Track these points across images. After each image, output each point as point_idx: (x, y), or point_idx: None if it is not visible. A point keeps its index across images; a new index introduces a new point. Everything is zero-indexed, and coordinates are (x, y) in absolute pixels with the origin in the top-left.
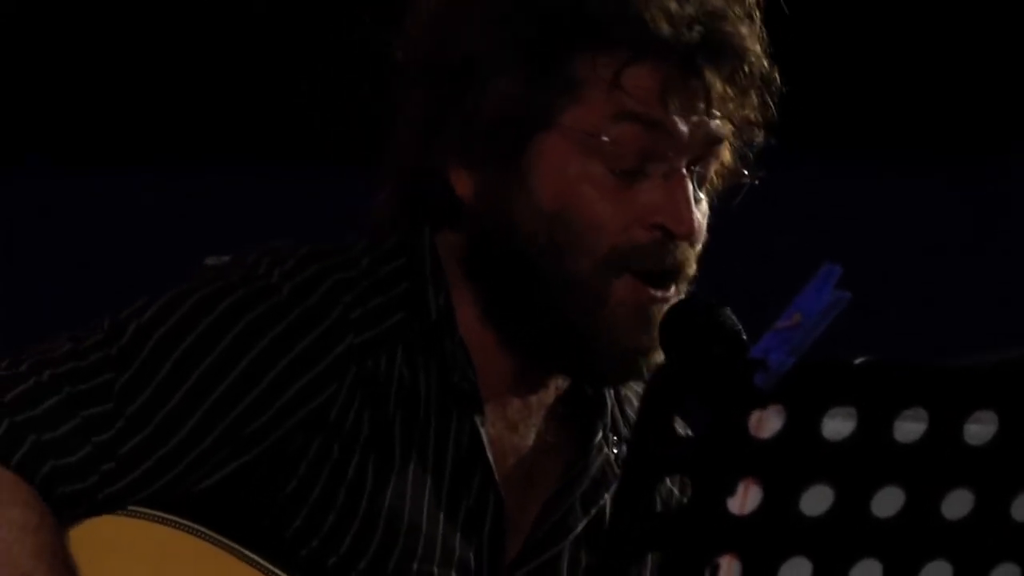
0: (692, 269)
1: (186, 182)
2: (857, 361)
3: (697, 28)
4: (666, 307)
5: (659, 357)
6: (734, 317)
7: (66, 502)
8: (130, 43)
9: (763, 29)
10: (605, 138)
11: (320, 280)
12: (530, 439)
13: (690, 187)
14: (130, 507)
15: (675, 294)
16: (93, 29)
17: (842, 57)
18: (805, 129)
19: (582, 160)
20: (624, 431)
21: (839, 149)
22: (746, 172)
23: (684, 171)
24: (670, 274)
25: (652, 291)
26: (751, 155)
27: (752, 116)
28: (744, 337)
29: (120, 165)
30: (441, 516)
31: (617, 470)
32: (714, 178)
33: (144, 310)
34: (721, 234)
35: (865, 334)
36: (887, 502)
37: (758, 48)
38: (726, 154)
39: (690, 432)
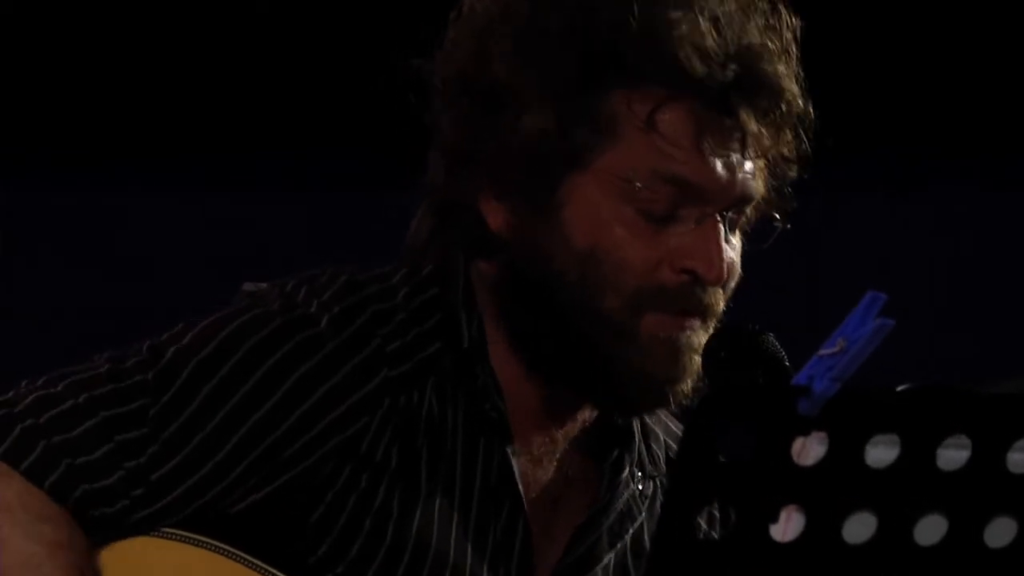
0: (720, 310)
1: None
2: (900, 388)
3: (732, 67)
4: (694, 336)
5: (688, 386)
6: (777, 344)
7: (97, 525)
8: (148, 41)
9: (800, 65)
10: (639, 184)
11: (358, 312)
12: (553, 472)
13: (722, 232)
14: (161, 528)
15: (701, 325)
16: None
17: (890, 80)
18: (853, 155)
19: (615, 203)
20: (649, 467)
21: (883, 176)
22: (781, 207)
23: (717, 216)
24: (695, 314)
25: (677, 319)
26: (786, 190)
27: (786, 152)
28: (787, 364)
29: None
30: (469, 545)
31: (642, 505)
32: (749, 212)
33: (182, 336)
34: (763, 261)
35: (909, 361)
36: (930, 530)
37: (795, 87)
38: (760, 187)
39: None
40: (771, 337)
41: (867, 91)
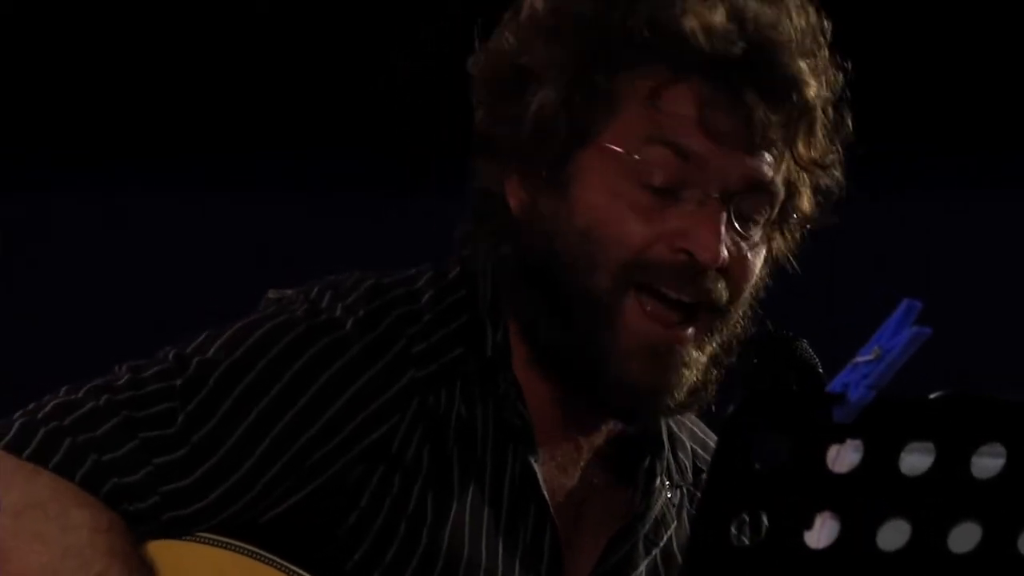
0: (722, 303)
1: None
2: (934, 396)
3: (740, 46)
4: (684, 350)
5: (673, 400)
6: (811, 350)
7: (131, 520)
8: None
9: (836, 76)
10: (636, 157)
11: (383, 314)
12: (578, 480)
13: (723, 217)
14: (196, 533)
15: (694, 334)
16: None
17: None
18: (888, 160)
19: (616, 178)
20: (676, 476)
21: (918, 184)
22: (815, 219)
23: (718, 200)
24: (691, 306)
25: (663, 328)
26: (823, 201)
27: (815, 155)
28: (820, 371)
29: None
30: (500, 550)
31: (674, 512)
32: (791, 226)
33: (208, 343)
34: (798, 268)
35: (944, 369)
36: (964, 537)
37: (817, 84)
38: (775, 180)
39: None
40: (805, 343)
41: (881, 91)
